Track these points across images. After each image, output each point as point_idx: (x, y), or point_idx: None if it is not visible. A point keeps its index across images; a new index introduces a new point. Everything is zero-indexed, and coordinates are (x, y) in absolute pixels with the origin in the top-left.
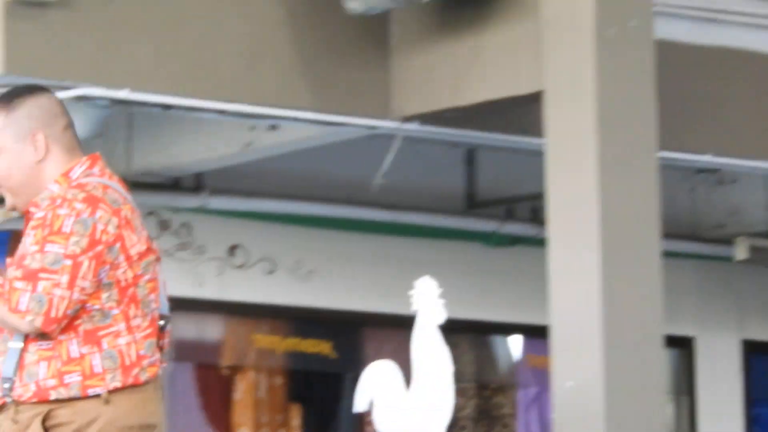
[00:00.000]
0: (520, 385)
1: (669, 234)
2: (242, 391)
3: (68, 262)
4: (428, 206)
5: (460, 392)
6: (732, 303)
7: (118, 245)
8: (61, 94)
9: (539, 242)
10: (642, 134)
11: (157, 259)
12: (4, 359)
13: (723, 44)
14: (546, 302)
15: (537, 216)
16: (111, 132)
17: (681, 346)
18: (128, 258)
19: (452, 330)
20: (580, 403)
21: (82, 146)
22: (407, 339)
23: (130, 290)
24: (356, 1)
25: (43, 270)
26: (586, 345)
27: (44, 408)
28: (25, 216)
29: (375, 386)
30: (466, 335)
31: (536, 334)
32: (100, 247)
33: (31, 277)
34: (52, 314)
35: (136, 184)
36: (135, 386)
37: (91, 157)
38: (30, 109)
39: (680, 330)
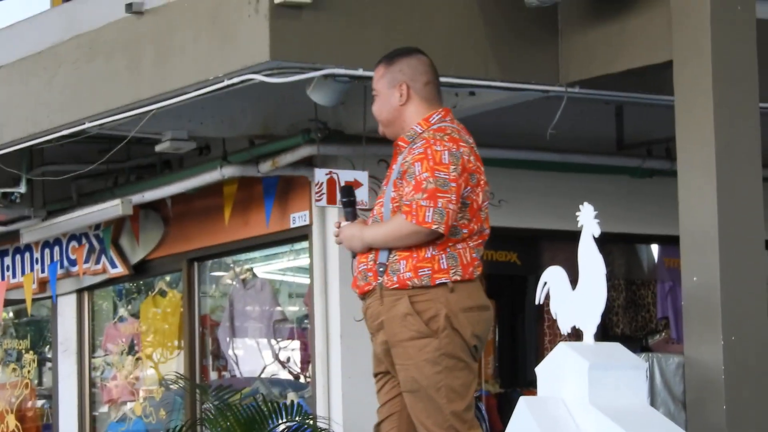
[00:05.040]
0: (659, 280)
1: None
2: None
3: (453, 185)
4: (588, 149)
5: (613, 287)
6: None
7: (477, 175)
8: (312, 74)
9: (672, 174)
10: (747, 90)
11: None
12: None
13: None
14: (677, 218)
15: (670, 154)
16: (351, 100)
17: None
18: (480, 184)
19: (606, 241)
20: (702, 293)
21: (439, 100)
22: (574, 249)
23: (478, 212)
24: None
25: (438, 191)
26: (707, 249)
27: (404, 293)
28: (395, 147)
29: (550, 285)
30: (617, 244)
31: (670, 241)
32: (466, 174)
33: (431, 196)
34: (449, 223)
35: (370, 139)
36: (470, 280)
37: (444, 110)
38: (402, 65)
39: None
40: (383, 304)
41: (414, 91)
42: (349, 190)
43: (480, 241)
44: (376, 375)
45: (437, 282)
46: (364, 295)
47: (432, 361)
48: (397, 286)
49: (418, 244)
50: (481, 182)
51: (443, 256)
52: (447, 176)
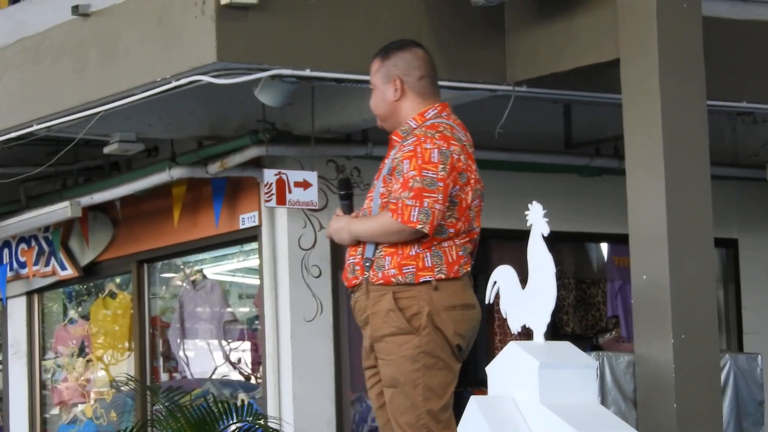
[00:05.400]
0: (608, 279)
1: (716, 162)
2: None
3: (441, 184)
4: (536, 148)
5: (562, 286)
6: (765, 212)
7: (467, 173)
8: (260, 75)
9: (620, 172)
10: (694, 88)
11: (482, 189)
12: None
13: (754, 18)
14: (626, 217)
15: (618, 152)
16: (299, 101)
17: (727, 246)
18: (470, 183)
19: (556, 240)
20: (652, 291)
21: (436, 94)
22: (523, 248)
23: (466, 212)
24: None
25: (424, 190)
26: (656, 247)
27: (388, 289)
28: (389, 141)
29: (500, 284)
30: (566, 243)
31: (619, 240)
32: (455, 173)
33: (417, 196)
34: (435, 223)
35: (318, 139)
36: (455, 278)
37: (442, 105)
38: (396, 59)
39: (727, 234)
40: (369, 299)
41: (408, 86)
42: (346, 182)
43: (468, 239)
44: (365, 368)
45: (421, 280)
46: (352, 289)
47: (411, 358)
48: (382, 282)
49: (402, 242)
50: (471, 181)
51: (428, 254)
52: (435, 175)
